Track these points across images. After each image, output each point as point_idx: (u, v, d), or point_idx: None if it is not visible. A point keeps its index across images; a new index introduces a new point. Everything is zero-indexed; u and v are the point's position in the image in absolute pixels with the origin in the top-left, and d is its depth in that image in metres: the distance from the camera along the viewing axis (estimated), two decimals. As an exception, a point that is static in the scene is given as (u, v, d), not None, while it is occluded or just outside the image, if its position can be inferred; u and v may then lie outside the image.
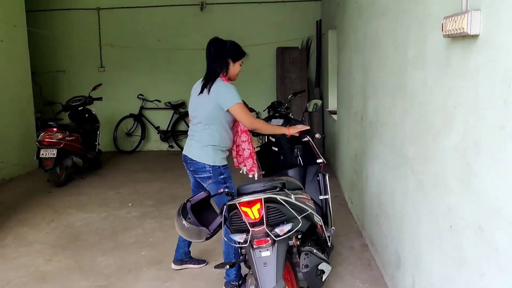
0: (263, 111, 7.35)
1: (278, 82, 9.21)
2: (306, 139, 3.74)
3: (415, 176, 2.73)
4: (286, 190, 2.72)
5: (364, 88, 4.30)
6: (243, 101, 3.31)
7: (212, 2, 9.27)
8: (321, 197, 3.72)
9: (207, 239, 2.71)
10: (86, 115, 7.59)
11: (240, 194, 2.64)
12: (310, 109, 3.95)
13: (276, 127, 3.50)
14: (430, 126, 2.41)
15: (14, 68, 7.51)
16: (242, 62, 3.44)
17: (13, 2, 7.52)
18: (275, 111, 7.03)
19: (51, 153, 6.38)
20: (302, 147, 3.81)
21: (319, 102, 3.93)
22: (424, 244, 2.56)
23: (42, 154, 6.37)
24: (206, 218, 2.71)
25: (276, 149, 3.70)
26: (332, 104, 7.83)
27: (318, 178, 3.79)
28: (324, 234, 3.25)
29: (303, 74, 9.09)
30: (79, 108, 7.46)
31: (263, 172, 3.95)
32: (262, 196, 2.51)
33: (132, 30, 9.37)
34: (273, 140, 3.68)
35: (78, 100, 7.48)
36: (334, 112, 7.21)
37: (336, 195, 5.73)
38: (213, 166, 3.28)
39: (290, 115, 6.86)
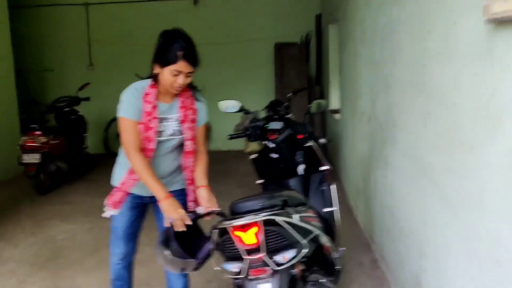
0: (261, 110, 6.92)
1: (277, 80, 8.77)
2: (309, 144, 3.32)
3: (440, 191, 2.30)
4: (288, 209, 2.29)
5: (373, 85, 3.87)
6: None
7: (205, -4, 8.83)
8: (325, 210, 3.30)
9: (195, 269, 2.28)
10: (73, 117, 7.14)
11: (234, 213, 2.22)
12: (313, 110, 3.51)
13: (150, 181, 2.36)
14: (464, 133, 1.98)
15: (-4, 68, 7.06)
16: (188, 74, 2.35)
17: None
18: (274, 111, 6.63)
19: (33, 158, 5.93)
20: (305, 153, 3.38)
21: (324, 102, 3.49)
22: (455, 276, 2.13)
23: (24, 160, 5.93)
24: (194, 244, 2.28)
25: (276, 155, 3.27)
26: (334, 103, 7.39)
27: (323, 188, 3.38)
28: (332, 255, 2.82)
29: (302, 71, 8.65)
30: (65, 109, 7.01)
31: (262, 181, 3.53)
32: (259, 218, 2.08)
33: (122, 26, 8.92)
34: (272, 145, 3.25)
35: (63, 100, 7.02)
36: (337, 111, 6.79)
37: (340, 201, 5.28)
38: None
39: (291, 115, 6.48)
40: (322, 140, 3.19)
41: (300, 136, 3.19)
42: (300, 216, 2.29)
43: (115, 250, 2.75)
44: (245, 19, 8.81)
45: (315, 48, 8.73)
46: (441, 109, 2.26)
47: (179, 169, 2.62)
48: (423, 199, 2.58)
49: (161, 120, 2.46)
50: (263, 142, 3.50)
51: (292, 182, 3.33)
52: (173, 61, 2.30)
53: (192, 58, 2.34)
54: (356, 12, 4.62)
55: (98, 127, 8.69)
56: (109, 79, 8.98)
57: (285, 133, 3.22)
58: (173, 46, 2.30)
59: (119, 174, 2.60)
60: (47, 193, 6.26)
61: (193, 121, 2.54)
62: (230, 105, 3.52)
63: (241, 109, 3.53)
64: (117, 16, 8.86)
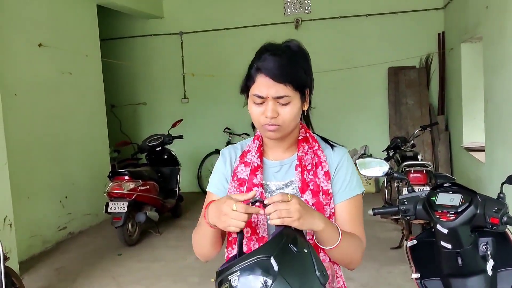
0: (382, 151, 5.78)
1: (391, 109, 7.57)
2: (504, 229, 2.15)
3: None
4: None
5: None
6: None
7: (308, 18, 7.89)
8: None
9: None
10: (165, 156, 6.48)
11: None
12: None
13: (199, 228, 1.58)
14: None
15: (86, 104, 6.58)
16: (281, 99, 1.40)
17: (84, 30, 6.61)
18: (399, 150, 5.44)
19: (121, 207, 5.27)
20: (494, 241, 2.22)
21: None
22: None
23: (110, 209, 5.29)
24: None
25: (449, 246, 2.14)
26: (468, 138, 6.05)
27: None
28: None
29: (423, 99, 7.35)
30: (157, 149, 6.37)
31: (418, 276, 2.40)
32: None
33: (217, 55, 8.22)
34: (444, 231, 2.13)
35: (156, 139, 6.39)
36: (477, 150, 5.46)
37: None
38: None
39: (419, 156, 5.25)
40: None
41: (494, 220, 2.04)
42: None
43: None
44: (353, 41, 7.72)
45: (437, 71, 7.43)
46: None
47: None
48: None
49: (268, 189, 1.51)
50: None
51: (472, 282, 2.19)
52: (251, 81, 1.44)
53: (277, 69, 1.38)
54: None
55: (191, 164, 8.05)
56: (203, 112, 8.34)
57: (467, 213, 2.08)
58: (254, 62, 1.45)
59: None
60: (135, 245, 5.57)
61: (318, 192, 1.46)
62: (373, 166, 2.45)
63: (390, 174, 2.45)
64: (212, 45, 8.20)
